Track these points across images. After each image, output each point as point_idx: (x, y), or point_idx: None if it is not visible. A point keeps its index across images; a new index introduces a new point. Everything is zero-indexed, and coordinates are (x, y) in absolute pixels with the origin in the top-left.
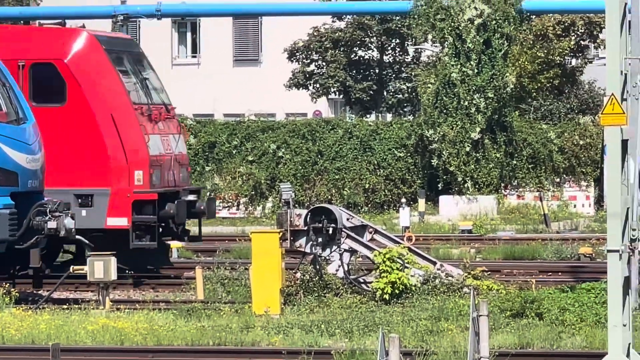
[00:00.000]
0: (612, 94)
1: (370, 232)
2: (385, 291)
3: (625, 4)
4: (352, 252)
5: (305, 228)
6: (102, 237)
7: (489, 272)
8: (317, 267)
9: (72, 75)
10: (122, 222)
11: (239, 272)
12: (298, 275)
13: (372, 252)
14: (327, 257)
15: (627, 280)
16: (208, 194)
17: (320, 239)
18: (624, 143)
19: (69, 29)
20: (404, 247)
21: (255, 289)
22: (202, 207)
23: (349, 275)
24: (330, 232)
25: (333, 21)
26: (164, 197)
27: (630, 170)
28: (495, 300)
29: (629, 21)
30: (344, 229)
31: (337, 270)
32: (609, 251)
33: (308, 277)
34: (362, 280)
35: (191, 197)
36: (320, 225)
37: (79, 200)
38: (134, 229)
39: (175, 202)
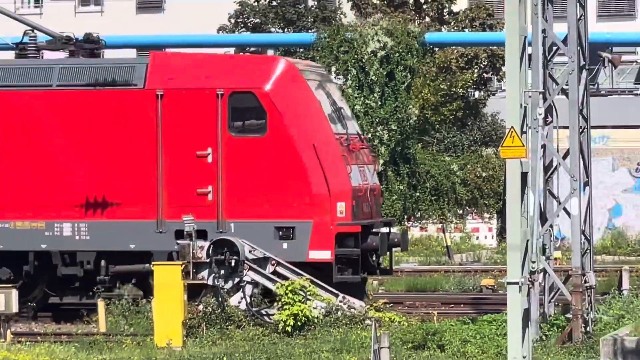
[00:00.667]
0: (512, 127)
1: (273, 265)
2: (287, 323)
3: (525, 37)
4: (255, 284)
5: (208, 260)
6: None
7: (392, 304)
8: (220, 299)
9: (273, 104)
10: (324, 255)
11: (142, 304)
12: (200, 307)
13: (275, 284)
14: (229, 290)
15: (527, 312)
16: None
17: (222, 271)
18: (524, 176)
19: (267, 57)
20: (306, 279)
21: (157, 321)
22: (396, 239)
23: (251, 307)
24: (233, 264)
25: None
26: (364, 230)
27: (530, 203)
28: (397, 332)
29: (529, 54)
30: (246, 261)
31: (239, 303)
32: (508, 283)
33: (210, 310)
34: (264, 313)
35: (383, 229)
36: (223, 257)
37: (280, 232)
38: (336, 262)
39: (379, 234)
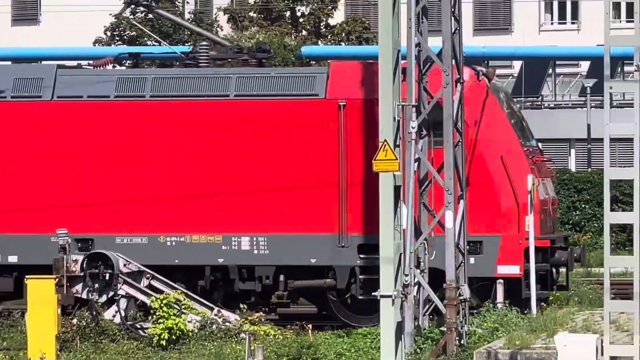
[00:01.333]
0: (385, 140)
1: (147, 278)
2: (162, 337)
3: (399, 51)
4: (130, 297)
5: (82, 274)
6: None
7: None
8: (94, 312)
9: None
10: (513, 270)
11: (14, 318)
12: (74, 321)
13: (149, 298)
14: (103, 303)
15: (400, 325)
16: None
17: (96, 285)
18: (397, 189)
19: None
20: (180, 292)
21: (31, 335)
22: (576, 254)
23: (125, 320)
24: (107, 277)
25: None
26: (552, 244)
27: (403, 216)
28: (272, 346)
29: (403, 68)
30: (120, 275)
31: (114, 316)
32: (382, 296)
33: (85, 323)
34: (139, 326)
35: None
36: (97, 271)
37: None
38: (524, 278)
39: (568, 249)
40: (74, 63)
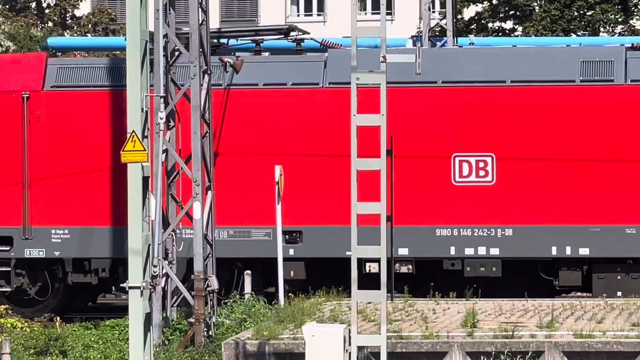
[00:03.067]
0: (134, 131)
1: None
2: None
3: (147, 41)
4: None
5: None
6: None
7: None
8: None
9: None
10: None
11: None
12: None
13: None
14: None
15: (149, 317)
16: None
17: None
18: (145, 180)
19: None
20: None
21: None
22: None
23: None
24: None
25: None
26: None
27: (151, 207)
28: (19, 338)
29: (151, 59)
30: None
31: None
32: (130, 288)
33: None
34: None
35: None
36: None
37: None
38: None
39: None
40: None
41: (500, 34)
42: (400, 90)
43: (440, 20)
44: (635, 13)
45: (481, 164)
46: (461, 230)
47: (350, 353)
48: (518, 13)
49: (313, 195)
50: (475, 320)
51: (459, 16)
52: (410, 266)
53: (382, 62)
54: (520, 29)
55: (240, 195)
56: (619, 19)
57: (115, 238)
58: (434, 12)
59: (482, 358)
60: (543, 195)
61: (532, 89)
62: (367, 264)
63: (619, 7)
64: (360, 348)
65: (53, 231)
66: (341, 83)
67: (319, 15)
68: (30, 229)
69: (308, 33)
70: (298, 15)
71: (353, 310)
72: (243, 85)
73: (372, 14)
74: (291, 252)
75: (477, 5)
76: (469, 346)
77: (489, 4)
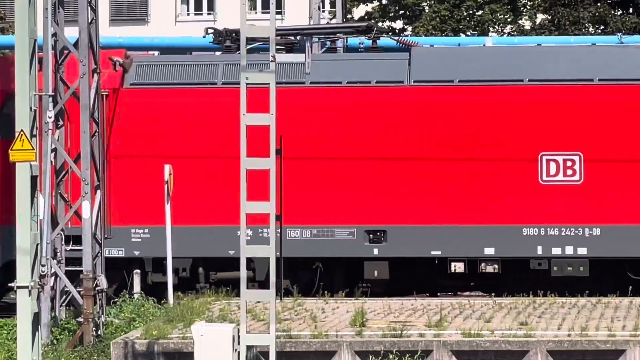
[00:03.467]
0: (22, 130)
1: None
2: None
3: (36, 40)
4: None
5: None
6: None
7: None
8: None
9: None
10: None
11: None
12: None
13: None
14: None
15: (37, 316)
16: None
17: None
18: (34, 179)
19: None
20: None
21: None
22: None
23: None
24: None
25: None
26: None
27: (40, 206)
28: None
29: (40, 57)
30: None
31: None
32: (18, 287)
33: None
34: None
35: None
36: None
37: None
38: None
39: None
40: None
41: (390, 34)
42: (486, 88)
43: (331, 19)
44: (524, 13)
45: (569, 163)
46: (548, 229)
47: (239, 352)
48: (408, 13)
49: (397, 194)
50: (364, 320)
51: (349, 16)
52: (496, 266)
53: (271, 61)
54: (410, 28)
55: (324, 195)
56: (508, 19)
57: (196, 237)
58: (324, 11)
59: (370, 357)
60: (631, 195)
61: (621, 87)
62: (453, 264)
63: (508, 7)
64: (249, 347)
65: (132, 230)
66: (426, 81)
67: (209, 14)
68: (110, 228)
69: (388, 32)
70: (188, 15)
71: (242, 309)
72: (325, 83)
73: (262, 13)
74: (375, 251)
75: (366, 4)
76: (358, 345)
77: (378, 3)
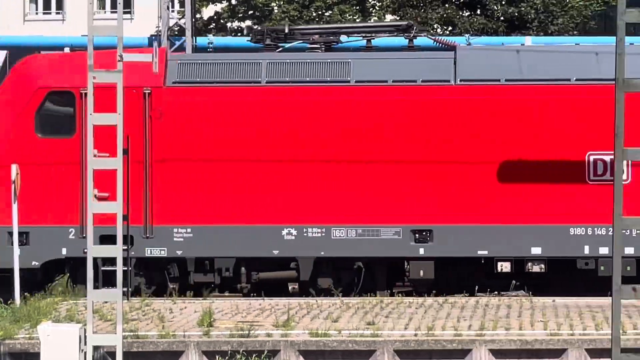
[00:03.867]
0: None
1: None
2: None
3: None
4: None
5: None
6: None
7: None
8: None
9: None
10: None
11: None
12: None
13: None
14: None
15: None
16: None
17: None
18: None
19: None
20: None
21: None
22: None
23: None
24: None
25: None
26: None
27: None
28: None
29: None
30: None
31: None
32: None
33: None
34: None
35: None
36: None
37: None
38: None
39: None
40: None
41: (239, 33)
42: (533, 87)
43: (179, 19)
44: (372, 14)
45: None
46: (595, 229)
47: (85, 353)
48: (257, 13)
49: (444, 193)
50: (211, 320)
51: (198, 15)
52: (542, 265)
53: (119, 60)
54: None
55: (370, 195)
56: (357, 19)
57: (241, 237)
58: (173, 11)
59: (217, 357)
60: None
61: None
62: (499, 263)
63: (357, 7)
64: (96, 348)
65: (175, 230)
66: (473, 80)
67: (57, 13)
68: (152, 227)
69: (428, 31)
70: (37, 14)
71: (89, 309)
72: (370, 82)
73: (111, 12)
74: (421, 251)
75: (215, 5)
76: (205, 345)
77: (227, 4)
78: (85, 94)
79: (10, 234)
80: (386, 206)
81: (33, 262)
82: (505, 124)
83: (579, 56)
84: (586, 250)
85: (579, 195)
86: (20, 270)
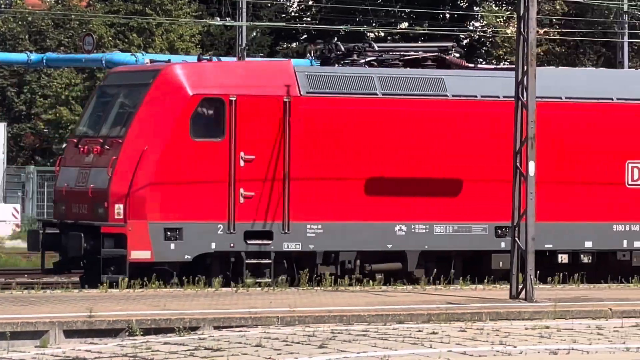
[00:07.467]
0: None
1: None
2: None
3: None
4: None
5: None
6: None
7: None
8: None
9: None
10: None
11: None
12: None
13: None
14: None
15: None
16: None
17: None
18: None
19: None
20: None
21: None
22: None
23: None
24: None
25: None
26: None
27: None
28: None
29: None
30: None
31: None
32: None
33: None
34: None
35: None
36: None
37: None
38: None
39: None
40: None
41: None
42: (587, 105)
43: None
44: None
45: None
46: (631, 226)
47: None
48: None
49: (521, 196)
50: None
51: None
52: (591, 257)
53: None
54: None
55: (464, 196)
56: None
57: (361, 232)
58: None
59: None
60: None
61: None
62: (559, 255)
63: None
64: None
65: (308, 226)
66: (539, 97)
67: None
68: (289, 224)
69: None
70: None
71: None
72: (463, 96)
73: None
74: (502, 244)
75: None
76: None
77: None
78: (234, 100)
79: (167, 229)
80: (476, 207)
81: (186, 256)
82: (564, 136)
83: (621, 79)
84: (624, 244)
85: (619, 198)
86: (172, 263)
